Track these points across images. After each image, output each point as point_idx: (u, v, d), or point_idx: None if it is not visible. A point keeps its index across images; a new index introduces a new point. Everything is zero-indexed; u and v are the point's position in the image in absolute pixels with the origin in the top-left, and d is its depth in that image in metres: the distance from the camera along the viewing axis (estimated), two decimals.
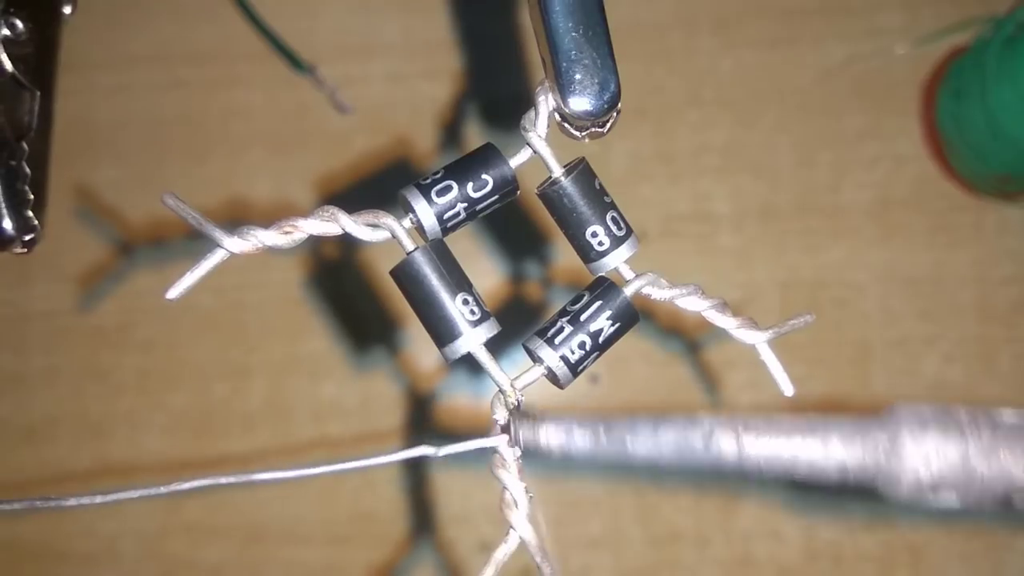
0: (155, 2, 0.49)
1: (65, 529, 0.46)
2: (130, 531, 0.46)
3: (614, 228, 0.19)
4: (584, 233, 0.19)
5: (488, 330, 0.18)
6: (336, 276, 0.48)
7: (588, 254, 0.19)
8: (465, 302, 0.18)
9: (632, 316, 0.19)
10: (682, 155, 0.47)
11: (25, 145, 0.23)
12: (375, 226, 0.18)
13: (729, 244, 0.47)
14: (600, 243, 0.19)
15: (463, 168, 0.18)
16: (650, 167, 0.47)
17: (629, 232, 0.19)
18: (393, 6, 0.49)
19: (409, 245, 0.18)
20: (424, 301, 0.18)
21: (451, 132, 0.48)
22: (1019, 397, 0.45)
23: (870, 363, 0.46)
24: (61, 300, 0.47)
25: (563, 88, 0.18)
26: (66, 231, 0.47)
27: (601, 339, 0.18)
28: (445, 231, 0.18)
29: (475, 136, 0.48)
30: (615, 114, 0.18)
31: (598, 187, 0.19)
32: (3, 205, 0.23)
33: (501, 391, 0.18)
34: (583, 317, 0.18)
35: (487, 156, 0.18)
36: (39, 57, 0.19)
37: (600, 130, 0.19)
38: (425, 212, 0.18)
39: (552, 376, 0.18)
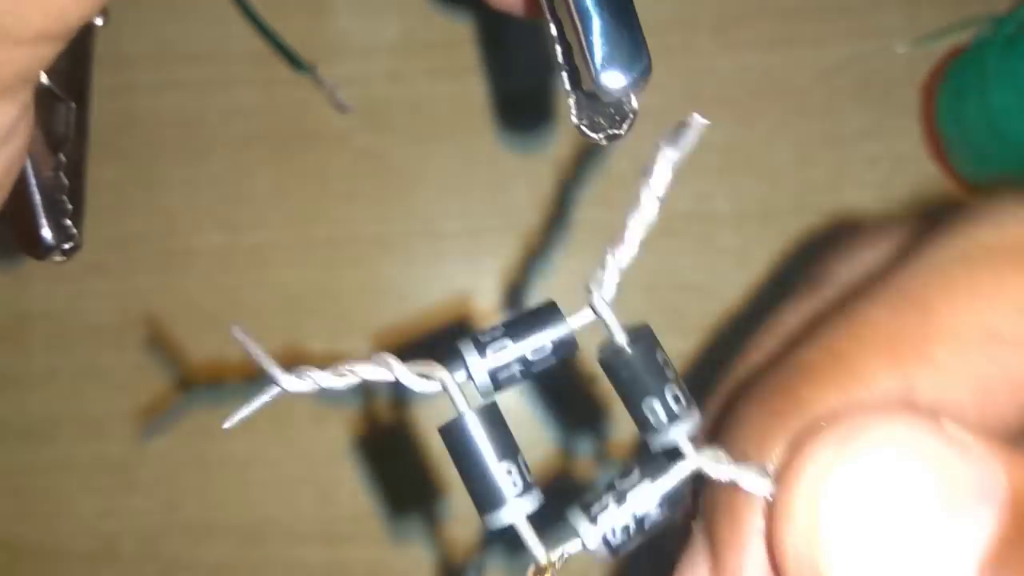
0: (155, 2, 0.49)
1: (65, 529, 0.46)
2: (129, 531, 0.46)
3: (673, 403, 0.17)
4: (642, 404, 0.18)
5: (531, 502, 0.17)
6: (384, 435, 0.47)
7: (644, 425, 0.18)
8: (509, 472, 0.17)
9: (681, 502, 0.17)
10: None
11: (62, 156, 0.24)
12: (428, 377, 0.17)
13: (729, 244, 0.47)
14: (657, 417, 0.17)
15: (522, 327, 0.18)
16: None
17: (691, 406, 0.18)
18: (393, 6, 0.49)
19: (461, 405, 0.17)
20: (469, 464, 0.17)
21: (451, 131, 0.48)
22: None
23: None
24: (61, 300, 0.47)
25: (594, 65, 0.18)
26: None
27: (647, 525, 0.17)
28: (497, 387, 0.18)
29: (476, 134, 0.48)
30: (632, 116, 0.18)
31: (661, 360, 0.18)
32: (42, 215, 0.23)
33: (539, 567, 0.17)
34: (629, 496, 0.17)
35: (548, 318, 0.18)
36: (72, 68, 0.19)
37: (618, 132, 0.19)
38: (478, 368, 0.17)
39: (590, 552, 0.17)
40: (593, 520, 0.17)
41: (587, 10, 0.18)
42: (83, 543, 0.46)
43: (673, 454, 0.17)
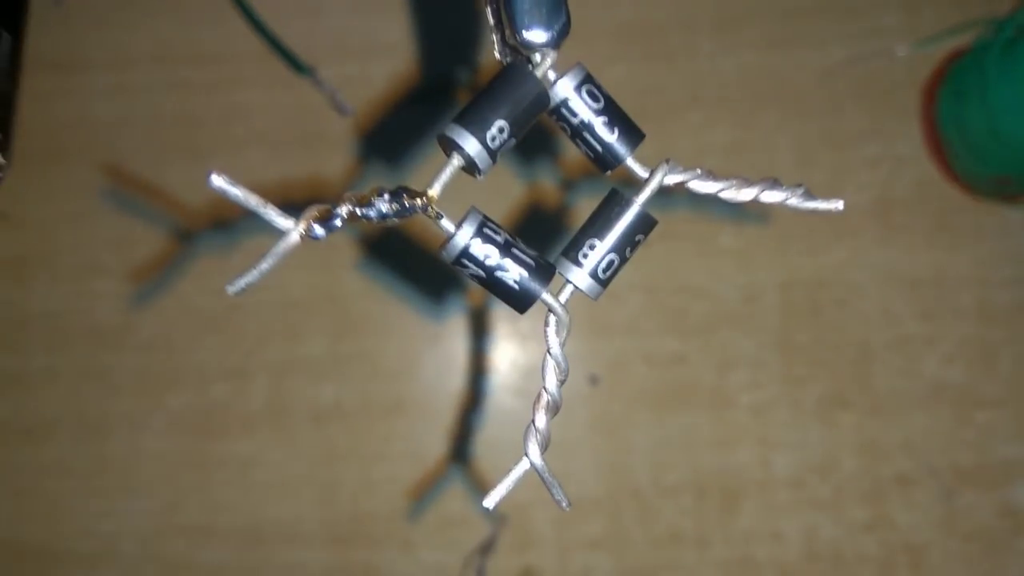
0: (155, 2, 0.49)
1: (65, 529, 0.46)
2: (129, 531, 0.46)
3: (588, 250, 0.20)
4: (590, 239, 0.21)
5: (483, 161, 0.19)
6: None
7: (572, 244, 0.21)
8: (501, 130, 0.19)
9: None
10: (683, 155, 0.47)
11: None
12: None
13: (730, 245, 0.47)
14: (585, 254, 0.21)
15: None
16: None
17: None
18: (393, 6, 0.49)
19: (544, 73, 0.19)
20: (494, 93, 0.19)
21: None
22: (1019, 398, 0.45)
23: (870, 363, 0.46)
24: (61, 300, 0.47)
25: (516, 23, 0.19)
26: (66, 230, 0.47)
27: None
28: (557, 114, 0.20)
29: None
30: (548, 59, 0.19)
31: (637, 241, 0.21)
32: None
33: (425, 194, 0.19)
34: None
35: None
36: (6, 1, 0.19)
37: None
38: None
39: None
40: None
41: None
42: (84, 543, 0.46)
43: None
